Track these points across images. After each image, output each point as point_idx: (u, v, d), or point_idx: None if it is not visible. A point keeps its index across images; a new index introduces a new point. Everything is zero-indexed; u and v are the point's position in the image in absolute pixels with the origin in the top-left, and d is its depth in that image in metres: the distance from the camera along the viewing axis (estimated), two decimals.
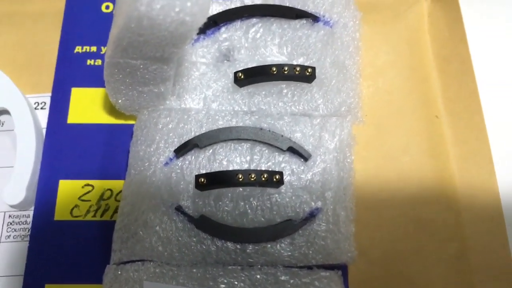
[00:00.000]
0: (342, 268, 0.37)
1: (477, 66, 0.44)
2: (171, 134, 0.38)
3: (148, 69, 0.35)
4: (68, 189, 0.40)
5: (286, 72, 0.38)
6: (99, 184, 0.40)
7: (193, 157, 0.38)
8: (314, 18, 0.42)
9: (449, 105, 0.44)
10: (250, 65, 0.40)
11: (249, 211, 0.36)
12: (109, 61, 0.34)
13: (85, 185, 0.40)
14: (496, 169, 0.41)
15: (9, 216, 0.40)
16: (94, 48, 0.44)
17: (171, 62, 0.35)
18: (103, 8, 0.45)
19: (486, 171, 0.42)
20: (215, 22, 0.42)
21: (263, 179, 0.36)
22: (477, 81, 0.44)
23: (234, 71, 0.40)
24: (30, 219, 0.40)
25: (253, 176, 0.36)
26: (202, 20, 0.30)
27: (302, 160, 0.38)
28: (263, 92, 0.40)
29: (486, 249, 0.39)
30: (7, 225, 0.40)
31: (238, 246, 0.36)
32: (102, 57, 0.43)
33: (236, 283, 0.35)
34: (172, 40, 0.31)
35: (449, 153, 0.42)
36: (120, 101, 0.39)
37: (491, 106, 0.44)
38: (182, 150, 0.38)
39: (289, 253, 0.36)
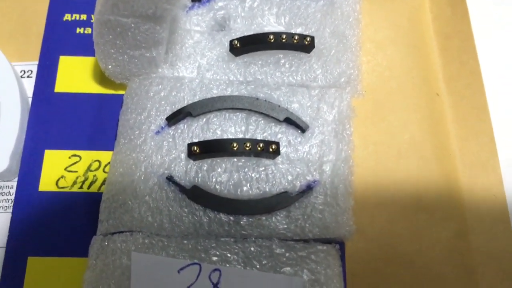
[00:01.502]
0: (339, 245, 0.35)
1: (479, 44, 0.43)
2: (163, 102, 0.37)
3: (139, 29, 0.33)
4: (54, 159, 0.38)
5: (284, 41, 0.37)
6: (86, 155, 0.38)
7: (185, 125, 0.36)
8: None
9: (450, 83, 0.43)
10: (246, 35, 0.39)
11: (243, 182, 0.35)
12: (99, 18, 0.33)
13: (72, 155, 0.38)
14: (498, 148, 0.41)
15: None
16: (84, 16, 0.42)
17: (163, 22, 0.33)
18: None
19: (488, 150, 0.41)
20: None
21: (259, 148, 0.35)
22: (479, 59, 0.43)
23: (230, 39, 0.38)
24: (13, 190, 0.38)
25: (248, 145, 0.35)
26: None
27: (299, 131, 0.37)
28: (260, 62, 0.38)
29: (487, 229, 0.38)
30: None
31: (232, 218, 0.34)
32: (92, 25, 0.42)
33: (229, 255, 0.33)
34: None
35: (450, 132, 0.41)
36: (110, 66, 0.37)
37: (493, 84, 0.43)
38: (174, 118, 0.36)
39: (285, 226, 0.34)
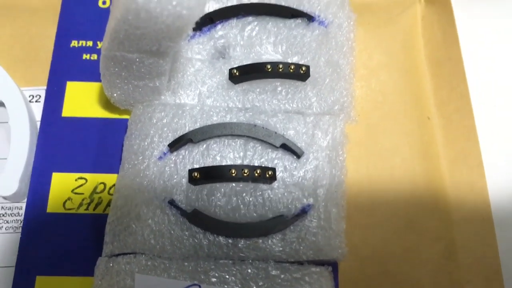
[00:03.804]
0: (333, 266, 0.37)
1: (469, 69, 0.45)
2: (165, 129, 0.38)
3: (144, 63, 0.35)
4: (61, 181, 0.40)
5: (281, 70, 0.39)
6: (92, 178, 0.40)
7: (187, 151, 0.38)
8: (309, 17, 0.42)
9: (440, 107, 0.44)
10: (245, 63, 0.40)
11: (241, 206, 0.37)
12: (106, 53, 0.34)
13: (78, 178, 0.40)
14: (486, 170, 0.42)
15: (1, 207, 0.40)
16: (90, 43, 0.44)
17: (167, 56, 0.35)
18: (100, 3, 0.45)
19: (476, 172, 0.42)
20: (211, 20, 0.42)
21: (256, 174, 0.36)
22: (469, 84, 0.44)
23: (229, 68, 0.40)
24: (22, 211, 0.40)
25: (246, 171, 0.36)
26: (198, 14, 0.30)
27: (294, 157, 0.38)
28: (258, 90, 0.40)
29: (475, 249, 0.40)
30: None
31: (230, 241, 0.36)
32: (98, 51, 0.44)
33: (227, 277, 0.35)
34: (169, 33, 0.31)
35: (440, 154, 0.43)
36: (115, 95, 0.39)
37: (482, 108, 0.44)
38: (176, 144, 0.38)
39: (280, 249, 0.36)
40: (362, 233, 0.39)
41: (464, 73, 0.45)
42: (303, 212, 0.37)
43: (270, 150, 0.38)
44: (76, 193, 0.39)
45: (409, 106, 0.43)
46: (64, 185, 0.40)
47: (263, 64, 0.39)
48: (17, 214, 0.40)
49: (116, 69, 0.36)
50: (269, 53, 0.41)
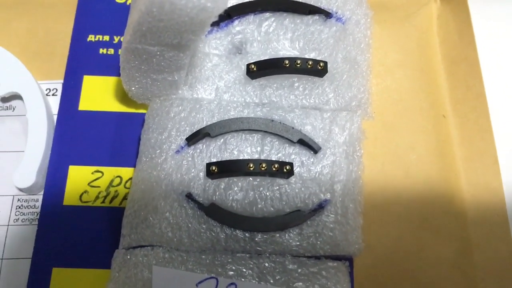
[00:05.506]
0: (348, 262, 0.37)
1: (485, 69, 0.45)
2: (183, 123, 0.39)
3: (164, 56, 0.35)
4: (78, 174, 0.40)
5: (298, 66, 0.39)
6: (108, 171, 0.40)
7: (204, 145, 0.38)
8: (326, 14, 0.42)
9: (456, 106, 0.44)
10: (262, 58, 0.40)
11: (258, 200, 0.37)
12: (127, 46, 0.34)
13: (95, 171, 0.40)
14: (501, 169, 0.42)
15: (18, 199, 0.40)
16: (107, 37, 0.44)
17: (187, 50, 0.35)
18: None
19: (492, 171, 0.42)
20: (228, 15, 0.42)
21: (274, 169, 0.36)
22: (485, 83, 0.44)
23: (247, 63, 0.40)
24: (39, 203, 0.40)
25: (263, 166, 0.36)
26: (222, 7, 0.30)
27: (311, 152, 0.38)
28: (275, 85, 0.40)
29: (490, 248, 0.40)
30: (16, 208, 0.40)
31: (247, 235, 0.36)
32: (114, 46, 0.44)
33: (244, 270, 0.35)
34: (192, 26, 0.32)
35: (455, 153, 0.43)
36: (133, 88, 0.39)
37: (498, 107, 0.44)
38: (193, 138, 0.38)
39: (297, 243, 0.36)
40: (377, 230, 0.39)
41: (480, 73, 0.45)
42: (320, 207, 0.37)
43: (287, 145, 0.38)
44: (92, 186, 0.40)
45: (425, 104, 0.43)
46: (80, 178, 0.40)
47: (281, 60, 0.39)
48: (33, 207, 0.40)
49: (136, 62, 0.36)
50: (286, 49, 0.42)
